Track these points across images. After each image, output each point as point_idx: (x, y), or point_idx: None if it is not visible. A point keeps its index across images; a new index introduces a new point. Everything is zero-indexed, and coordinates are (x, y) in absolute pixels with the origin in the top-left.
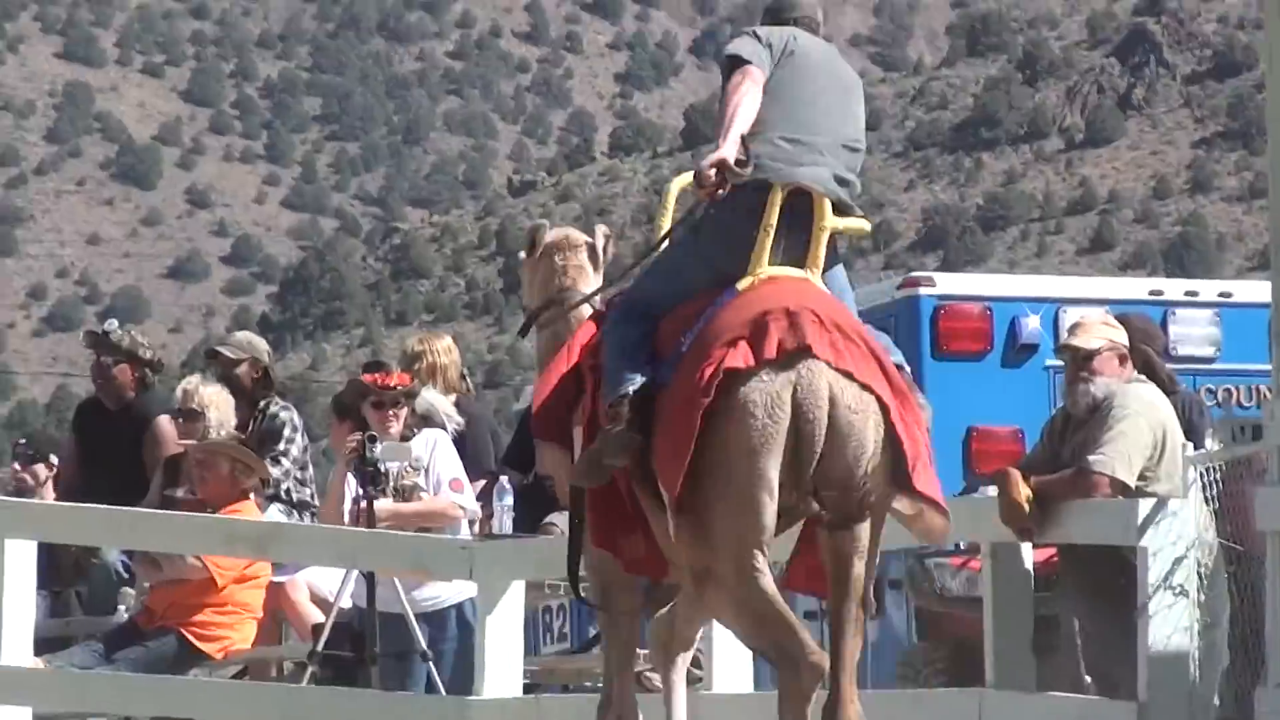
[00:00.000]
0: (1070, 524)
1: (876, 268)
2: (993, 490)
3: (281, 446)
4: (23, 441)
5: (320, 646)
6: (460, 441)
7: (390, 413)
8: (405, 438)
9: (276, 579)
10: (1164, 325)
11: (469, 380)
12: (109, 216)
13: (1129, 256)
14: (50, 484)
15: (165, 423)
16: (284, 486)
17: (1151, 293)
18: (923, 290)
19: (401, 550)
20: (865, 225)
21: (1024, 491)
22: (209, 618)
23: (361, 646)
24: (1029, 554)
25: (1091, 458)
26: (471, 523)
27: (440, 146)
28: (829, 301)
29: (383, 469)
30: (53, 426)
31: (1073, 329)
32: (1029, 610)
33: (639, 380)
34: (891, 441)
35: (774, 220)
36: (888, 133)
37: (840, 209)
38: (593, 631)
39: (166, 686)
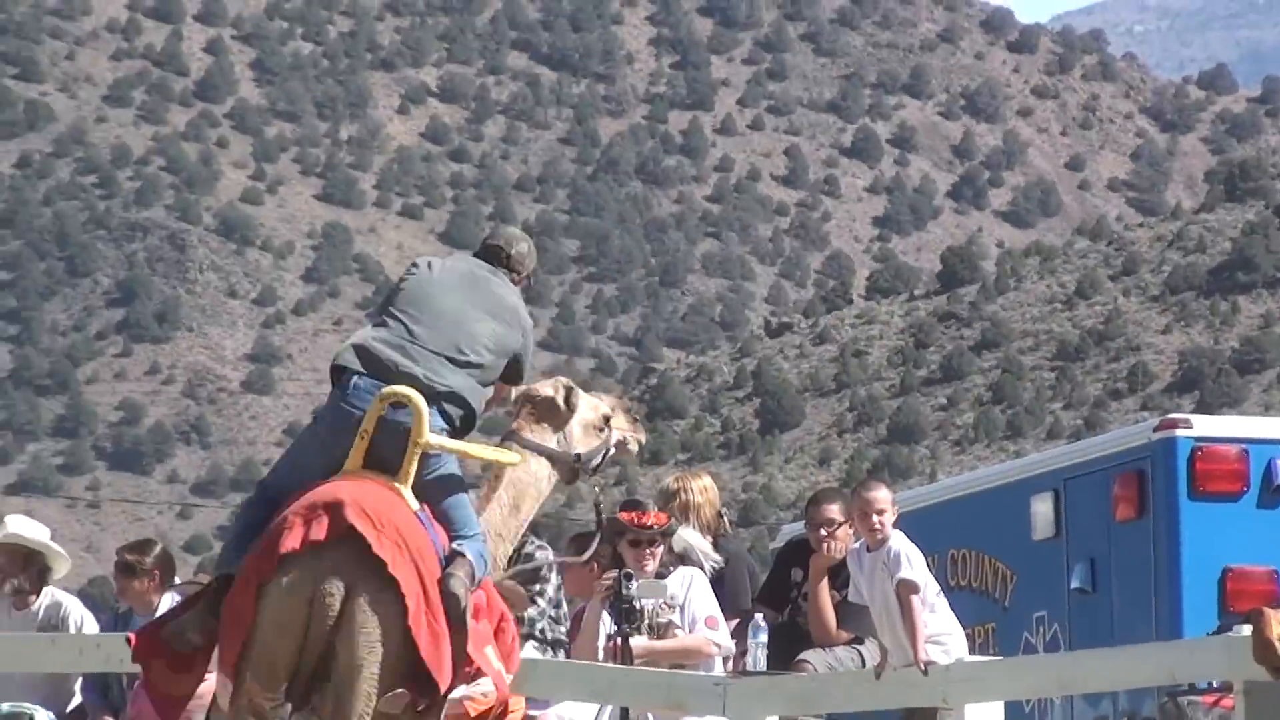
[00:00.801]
0: None
1: (1133, 410)
2: (1246, 629)
3: (538, 586)
4: None
5: None
6: (718, 579)
7: (647, 551)
8: (661, 576)
9: (531, 713)
10: None
11: (726, 519)
12: None
13: None
14: None
15: None
16: (539, 626)
17: None
18: (1180, 432)
19: (656, 686)
20: (502, 457)
21: (1278, 630)
22: None
23: None
24: None
25: None
26: (726, 659)
27: (697, 288)
28: (388, 503)
29: (638, 606)
30: None
31: None
32: None
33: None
34: (408, 641)
35: (370, 427)
36: (1144, 277)
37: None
38: None
39: None
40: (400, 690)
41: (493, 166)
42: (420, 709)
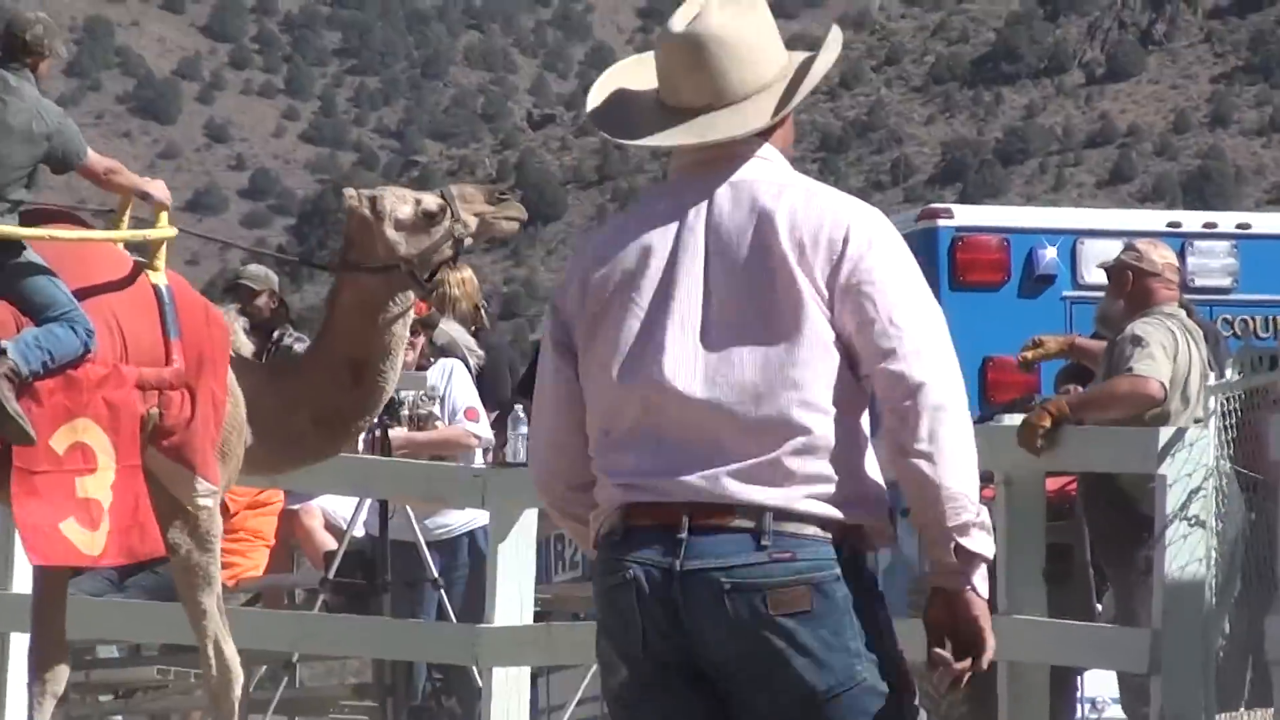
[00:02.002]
0: (1089, 451)
1: (896, 201)
2: (1007, 419)
3: None
4: None
5: (332, 574)
6: (479, 373)
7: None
8: (421, 367)
9: (290, 507)
10: (1182, 256)
11: (485, 313)
12: (128, 149)
13: (1148, 190)
14: None
15: None
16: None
17: (1169, 225)
18: (941, 222)
19: (415, 478)
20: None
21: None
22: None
23: (373, 574)
24: (1042, 483)
25: (1137, 366)
26: (486, 451)
27: (460, 81)
28: None
29: (397, 397)
30: None
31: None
32: (1041, 539)
33: None
34: None
35: None
36: (907, 68)
37: None
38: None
39: (176, 613)
40: None
41: None
42: None
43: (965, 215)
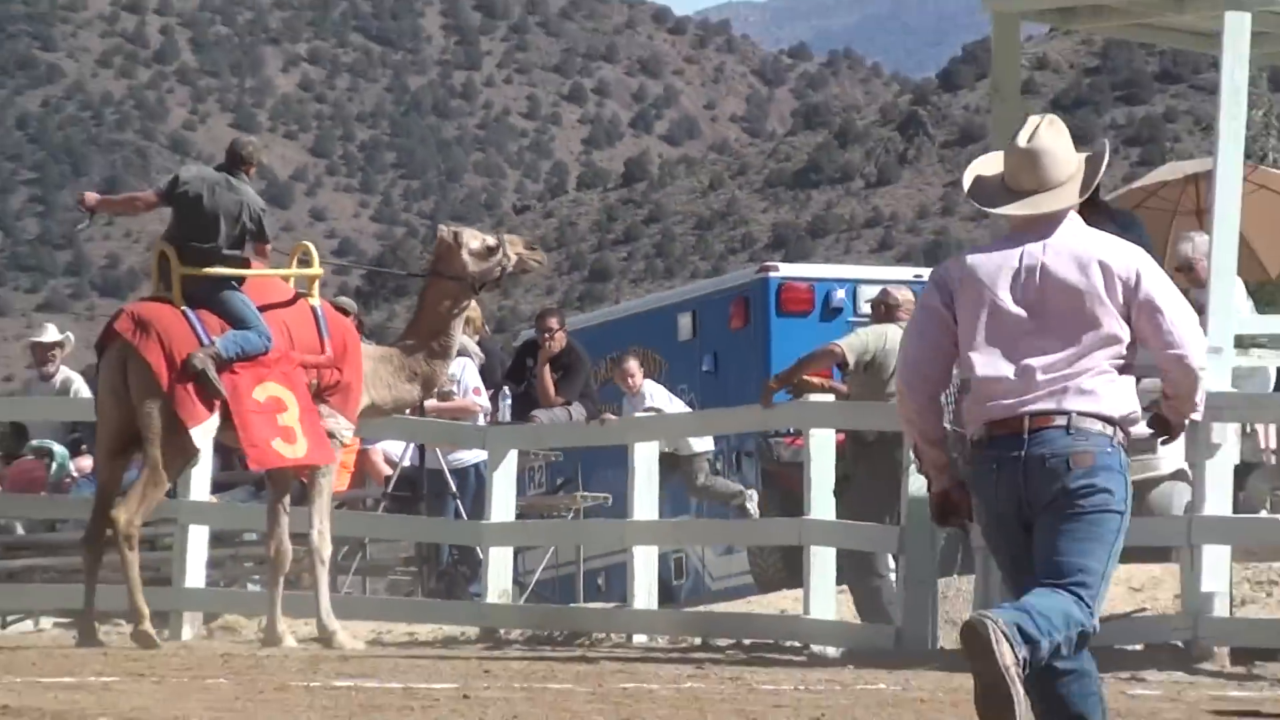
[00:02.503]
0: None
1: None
2: (809, 397)
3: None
4: None
5: (389, 489)
6: (481, 366)
7: None
8: None
9: (363, 447)
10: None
11: (486, 328)
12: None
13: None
14: None
15: None
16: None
17: (914, 276)
18: (771, 274)
19: (441, 430)
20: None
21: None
22: None
23: (415, 490)
24: (833, 435)
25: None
26: (485, 415)
27: (470, 184)
28: (157, 311)
29: None
30: None
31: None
32: (831, 470)
33: None
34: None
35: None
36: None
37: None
38: (559, 481)
39: (296, 512)
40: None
41: (341, 103)
42: (177, 436)
43: (787, 270)
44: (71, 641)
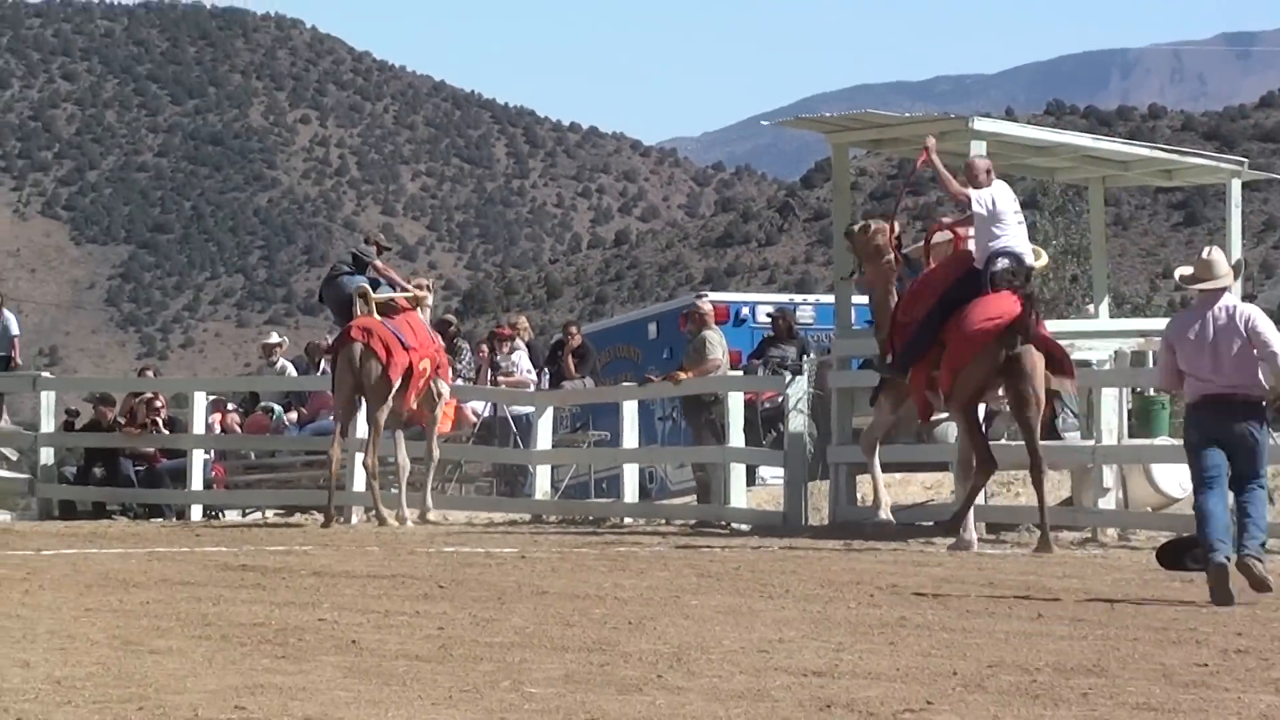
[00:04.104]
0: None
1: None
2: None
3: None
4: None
5: (475, 430)
6: (530, 355)
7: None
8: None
9: (459, 404)
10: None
11: (532, 331)
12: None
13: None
14: None
15: None
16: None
17: (789, 299)
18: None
19: (507, 394)
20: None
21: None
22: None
23: (491, 430)
24: (741, 397)
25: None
26: (533, 385)
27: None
28: (375, 322)
29: (501, 364)
30: None
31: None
32: (741, 416)
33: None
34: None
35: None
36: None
37: None
38: (578, 425)
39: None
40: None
41: (445, 198)
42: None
43: (713, 296)
44: (281, 523)
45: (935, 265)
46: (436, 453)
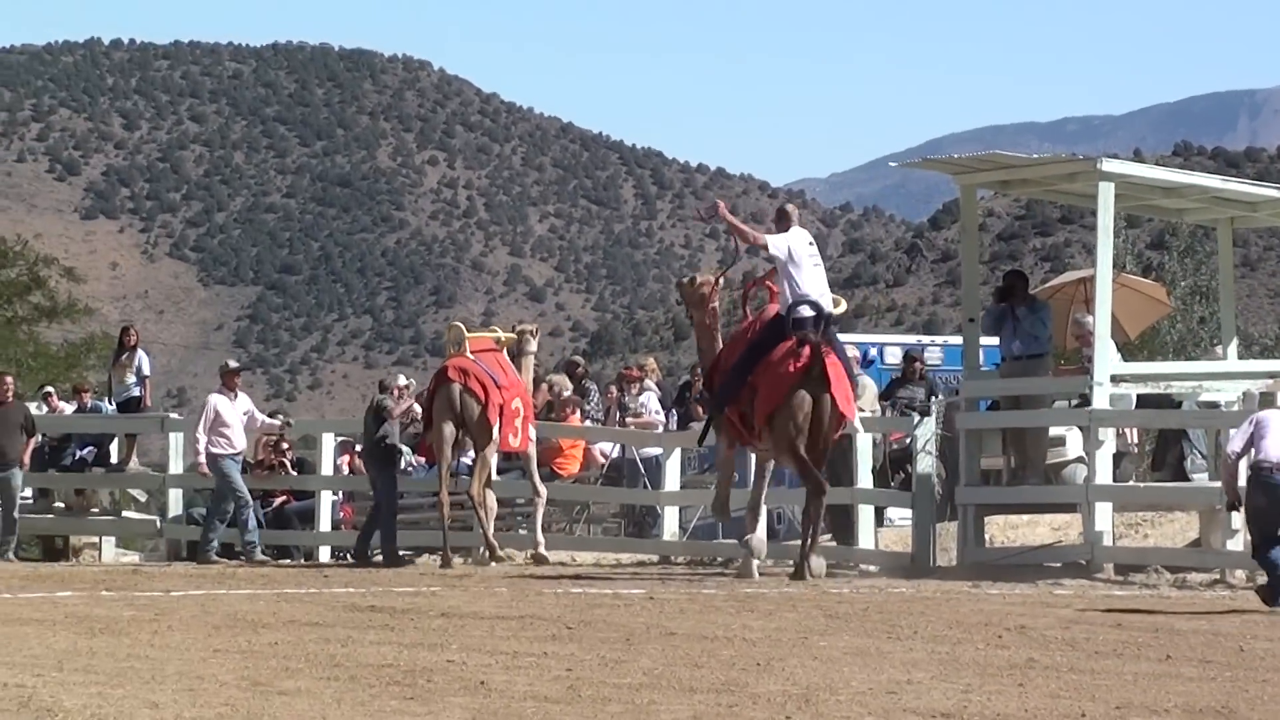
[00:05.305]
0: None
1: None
2: None
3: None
4: None
5: (604, 471)
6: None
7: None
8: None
9: (587, 445)
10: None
11: (659, 374)
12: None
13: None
14: None
15: None
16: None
17: (921, 339)
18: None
19: (635, 436)
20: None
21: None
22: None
23: (619, 472)
24: (870, 438)
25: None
26: (661, 426)
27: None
28: (470, 362)
29: (629, 405)
30: None
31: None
32: (870, 459)
33: None
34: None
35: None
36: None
37: None
38: (705, 466)
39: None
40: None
41: (573, 240)
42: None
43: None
44: (413, 566)
45: (753, 317)
46: (543, 489)
